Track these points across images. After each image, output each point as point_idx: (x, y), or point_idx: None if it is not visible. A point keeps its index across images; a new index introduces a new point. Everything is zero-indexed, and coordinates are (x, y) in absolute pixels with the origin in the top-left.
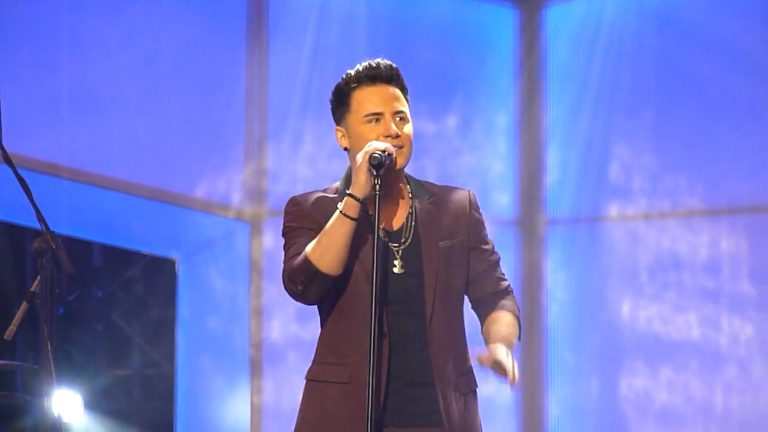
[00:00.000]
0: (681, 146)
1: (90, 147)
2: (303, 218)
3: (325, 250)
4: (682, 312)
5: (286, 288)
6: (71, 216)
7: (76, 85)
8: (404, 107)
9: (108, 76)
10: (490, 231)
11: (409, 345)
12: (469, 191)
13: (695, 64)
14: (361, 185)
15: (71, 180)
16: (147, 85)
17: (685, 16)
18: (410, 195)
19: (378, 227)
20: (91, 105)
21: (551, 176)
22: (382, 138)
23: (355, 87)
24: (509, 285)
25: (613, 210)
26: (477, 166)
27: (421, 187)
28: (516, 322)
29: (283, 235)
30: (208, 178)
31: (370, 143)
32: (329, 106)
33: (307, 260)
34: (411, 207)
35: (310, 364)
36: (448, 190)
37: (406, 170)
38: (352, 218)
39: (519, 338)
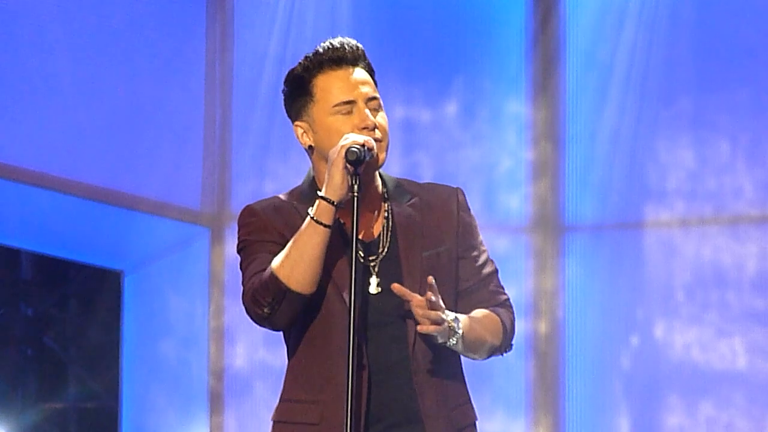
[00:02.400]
0: (725, 140)
1: (18, 138)
2: (262, 230)
3: (295, 264)
4: (726, 337)
5: (249, 312)
6: None
7: (1, 66)
8: (377, 93)
9: (40, 54)
10: (497, 239)
11: (391, 377)
12: (456, 189)
13: (743, 41)
14: (336, 186)
15: None
16: (86, 64)
17: None
18: (386, 197)
19: (356, 237)
20: (19, 88)
21: (570, 175)
22: (357, 131)
23: (317, 72)
24: (507, 299)
25: (645, 215)
26: (481, 161)
27: (399, 188)
28: (498, 324)
29: (239, 252)
30: (159, 175)
31: (346, 136)
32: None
33: (274, 277)
34: (387, 212)
35: (277, 402)
36: (432, 188)
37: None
38: (325, 225)
39: (502, 350)
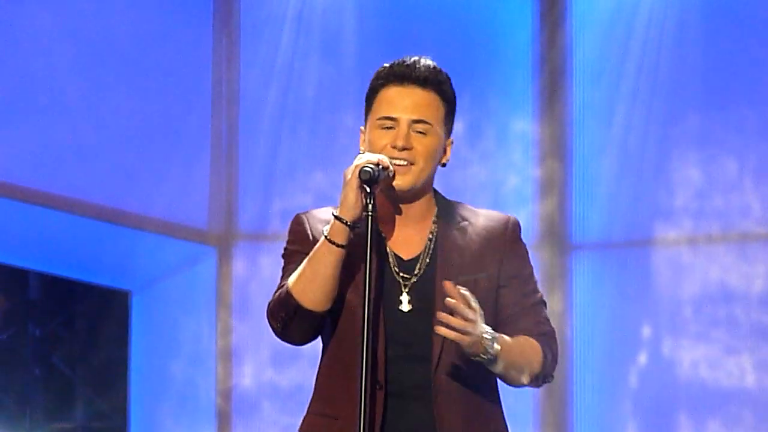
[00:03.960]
0: (733, 158)
1: (24, 157)
2: (302, 240)
3: (308, 281)
4: (734, 354)
5: (270, 325)
6: (3, 240)
7: (6, 82)
8: (430, 118)
9: (45, 70)
10: None
11: (409, 400)
12: (509, 217)
13: (751, 58)
14: (349, 205)
15: (2, 197)
16: (93, 83)
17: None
18: (435, 218)
19: (371, 253)
20: (24, 106)
21: (577, 193)
22: (389, 148)
23: (382, 84)
24: (552, 331)
25: (652, 233)
26: (487, 179)
27: (451, 210)
28: (539, 352)
29: (282, 258)
30: (166, 195)
31: (360, 156)
32: (314, 105)
33: (288, 293)
34: (432, 233)
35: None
36: (485, 215)
37: (437, 187)
38: (338, 245)
39: (541, 380)
